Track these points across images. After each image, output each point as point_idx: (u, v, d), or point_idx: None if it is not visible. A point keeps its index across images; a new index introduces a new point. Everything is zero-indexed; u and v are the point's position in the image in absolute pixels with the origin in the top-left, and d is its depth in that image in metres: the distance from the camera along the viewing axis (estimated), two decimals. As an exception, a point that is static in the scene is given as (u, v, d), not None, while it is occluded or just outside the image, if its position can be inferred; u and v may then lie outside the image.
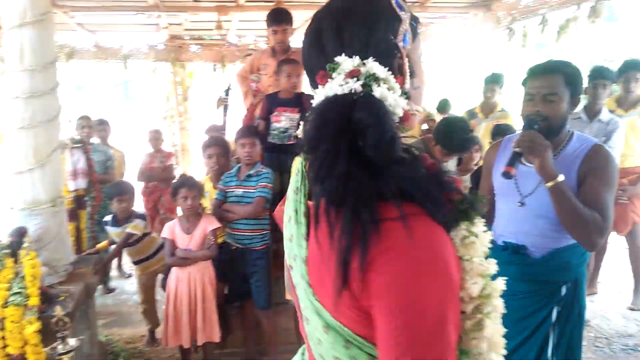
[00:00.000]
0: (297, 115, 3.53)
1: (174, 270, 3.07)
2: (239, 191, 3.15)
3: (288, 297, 3.61)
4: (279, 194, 3.39)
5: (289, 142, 3.58)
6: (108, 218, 3.63)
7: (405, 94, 0.83)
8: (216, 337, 3.05)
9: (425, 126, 5.70)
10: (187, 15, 5.37)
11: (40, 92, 2.50)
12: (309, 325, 0.83)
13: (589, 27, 4.34)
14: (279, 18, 3.78)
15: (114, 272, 5.04)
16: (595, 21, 3.92)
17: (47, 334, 2.08)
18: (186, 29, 6.50)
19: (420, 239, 0.69)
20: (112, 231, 3.59)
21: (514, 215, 1.94)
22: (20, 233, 2.42)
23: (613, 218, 1.81)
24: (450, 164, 3.37)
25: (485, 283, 0.76)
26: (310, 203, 0.86)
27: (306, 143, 0.80)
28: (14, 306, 2.12)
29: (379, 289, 0.68)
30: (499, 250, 1.92)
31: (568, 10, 4.15)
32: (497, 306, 0.77)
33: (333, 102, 0.78)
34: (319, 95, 0.82)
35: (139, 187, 4.54)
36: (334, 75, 0.80)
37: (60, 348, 1.92)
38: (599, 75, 3.62)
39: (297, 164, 0.92)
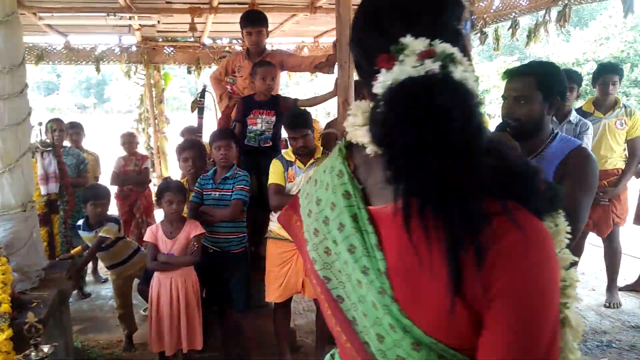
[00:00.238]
0: (273, 118, 3.53)
1: (156, 275, 3.02)
2: (216, 194, 3.13)
3: (267, 299, 3.60)
4: (258, 197, 3.39)
5: (265, 145, 3.58)
6: (80, 222, 3.57)
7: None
8: (199, 344, 3.01)
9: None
10: (160, 17, 5.31)
11: (7, 95, 2.45)
12: (382, 344, 0.73)
13: (559, 32, 4.46)
14: (254, 20, 3.79)
15: (89, 277, 4.95)
16: (564, 26, 4.02)
17: (20, 341, 2.03)
18: (159, 31, 6.43)
19: (533, 235, 0.65)
20: (85, 235, 3.53)
21: None
22: (-10, 239, 2.37)
23: (585, 221, 1.83)
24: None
25: (565, 274, 0.73)
26: (373, 208, 0.78)
27: (377, 137, 0.72)
28: (-16, 314, 2.07)
29: (500, 290, 0.63)
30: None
31: (538, 14, 4.25)
32: (575, 296, 0.75)
33: (409, 85, 0.68)
34: (383, 81, 0.71)
35: (113, 191, 4.48)
36: (400, 57, 0.70)
37: (33, 355, 1.88)
38: (567, 78, 3.72)
39: (337, 164, 0.85)
